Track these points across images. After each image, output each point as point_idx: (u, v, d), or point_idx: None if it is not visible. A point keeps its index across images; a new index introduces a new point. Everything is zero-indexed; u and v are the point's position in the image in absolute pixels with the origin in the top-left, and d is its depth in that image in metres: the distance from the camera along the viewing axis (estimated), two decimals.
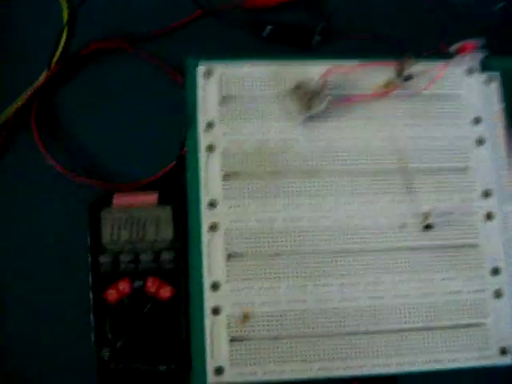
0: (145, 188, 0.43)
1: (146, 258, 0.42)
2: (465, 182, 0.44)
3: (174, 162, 0.44)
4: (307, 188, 0.43)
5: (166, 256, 0.42)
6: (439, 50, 0.45)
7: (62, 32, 0.46)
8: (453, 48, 0.44)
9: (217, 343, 0.41)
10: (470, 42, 0.44)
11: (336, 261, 0.42)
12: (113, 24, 0.46)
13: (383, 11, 0.48)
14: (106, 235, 0.42)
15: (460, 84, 0.46)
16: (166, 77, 0.45)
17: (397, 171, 0.44)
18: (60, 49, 0.46)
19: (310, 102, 0.43)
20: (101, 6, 0.47)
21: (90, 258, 0.42)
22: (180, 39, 0.46)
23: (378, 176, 0.44)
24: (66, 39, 0.46)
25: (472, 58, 0.44)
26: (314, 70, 0.44)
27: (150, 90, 0.45)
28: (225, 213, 0.42)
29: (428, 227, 0.43)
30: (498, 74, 0.46)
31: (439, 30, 0.46)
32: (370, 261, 0.42)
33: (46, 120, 0.45)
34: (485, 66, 0.46)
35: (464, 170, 0.44)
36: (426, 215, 0.43)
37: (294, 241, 0.42)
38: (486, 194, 0.44)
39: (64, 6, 0.46)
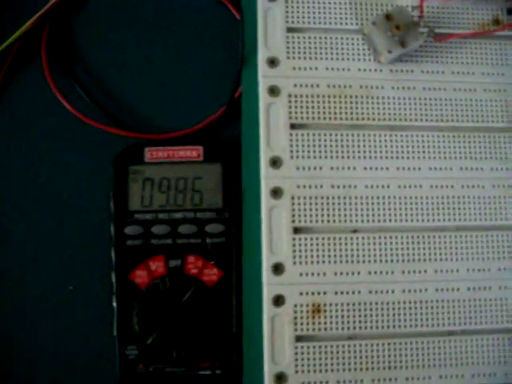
0: (186, 141, 0.33)
1: (186, 230, 0.32)
2: None
3: (223, 108, 0.34)
4: (394, 147, 0.34)
5: (213, 229, 0.32)
6: None
7: None
8: None
9: (278, 343, 0.31)
10: None
11: (430, 241, 0.33)
12: None
13: None
14: (135, 199, 0.33)
15: None
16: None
17: (507, 131, 0.35)
18: None
19: (403, 37, 0.33)
20: None
21: (113, 229, 0.32)
22: None
23: (481, 136, 0.34)
24: None
25: None
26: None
27: (193, 15, 0.36)
28: (291, 175, 0.33)
29: None
30: None
31: None
32: (474, 241, 0.33)
33: (59, 50, 0.35)
34: None
35: None
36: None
37: (378, 214, 0.33)
38: None
39: None
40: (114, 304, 0.32)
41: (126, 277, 0.32)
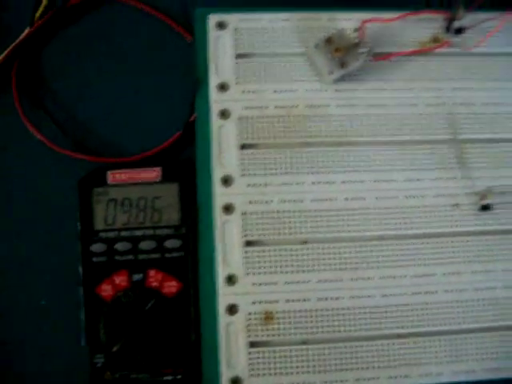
0: (146, 163, 0.36)
1: (146, 246, 0.35)
2: None
3: (180, 132, 0.36)
4: (340, 162, 0.36)
5: (171, 244, 0.35)
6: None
7: None
8: None
9: (233, 348, 0.34)
10: None
11: (376, 250, 0.35)
12: None
13: None
14: (100, 219, 0.35)
15: None
16: (170, 30, 0.38)
17: (446, 143, 0.37)
18: (44, 1, 0.39)
19: (344, 58, 0.35)
20: None
21: (80, 247, 0.35)
22: None
23: (423, 149, 0.36)
24: None
25: None
26: (346, 22, 0.37)
27: (151, 47, 0.38)
28: (242, 192, 0.35)
29: (485, 208, 0.35)
30: None
31: None
32: (417, 249, 0.35)
33: (28, 82, 0.38)
34: None
35: None
36: (483, 194, 0.36)
37: (326, 225, 0.35)
38: None
39: None
40: (82, 315, 0.34)
41: (92, 291, 0.34)
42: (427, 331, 0.35)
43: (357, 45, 0.36)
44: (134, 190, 0.35)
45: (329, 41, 0.36)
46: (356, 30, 0.36)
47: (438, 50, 0.37)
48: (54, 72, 0.38)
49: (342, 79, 0.36)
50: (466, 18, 0.37)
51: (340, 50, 0.35)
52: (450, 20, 0.37)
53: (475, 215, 0.36)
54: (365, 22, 0.36)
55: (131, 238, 0.35)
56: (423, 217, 0.35)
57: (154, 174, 0.36)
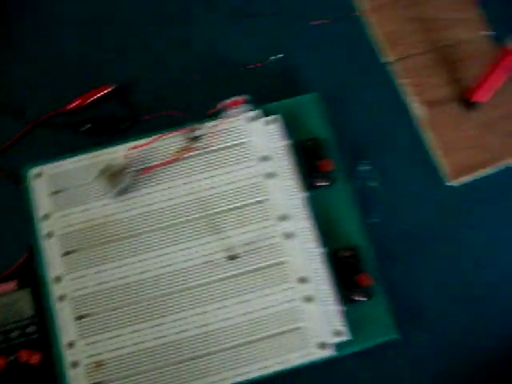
0: (5, 279, 0.53)
1: (15, 335, 0.52)
2: (263, 211, 0.53)
3: (26, 254, 0.54)
4: (132, 248, 0.52)
5: (31, 329, 0.52)
6: (217, 109, 0.54)
7: None
8: (224, 104, 0.53)
9: None
10: (238, 98, 0.53)
11: (165, 303, 0.51)
12: None
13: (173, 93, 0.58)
14: None
15: (245, 131, 0.55)
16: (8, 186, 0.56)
17: (203, 217, 0.53)
18: None
19: (115, 180, 0.52)
20: None
21: None
22: (17, 152, 0.57)
23: (189, 225, 0.53)
24: None
25: (242, 110, 0.54)
26: (121, 152, 0.54)
27: None
28: (69, 284, 0.52)
29: (234, 258, 0.51)
30: (278, 116, 0.55)
31: (214, 93, 0.55)
32: (195, 296, 0.51)
33: None
34: (266, 111, 0.55)
35: (260, 202, 0.53)
36: (231, 248, 0.51)
37: (128, 294, 0.51)
38: (283, 218, 0.53)
39: None
40: None
41: None
42: (207, 352, 0.50)
43: (126, 166, 0.53)
44: None
45: (104, 169, 0.53)
46: (122, 156, 0.53)
47: (187, 155, 0.54)
48: None
49: (123, 192, 0.53)
50: (201, 129, 0.53)
51: (115, 174, 0.52)
52: (191, 132, 0.53)
53: (227, 264, 0.52)
54: (130, 149, 0.53)
55: (2, 332, 0.52)
56: (193, 273, 0.52)
57: (11, 285, 0.53)
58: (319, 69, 0.60)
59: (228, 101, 0.53)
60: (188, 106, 0.56)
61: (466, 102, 0.59)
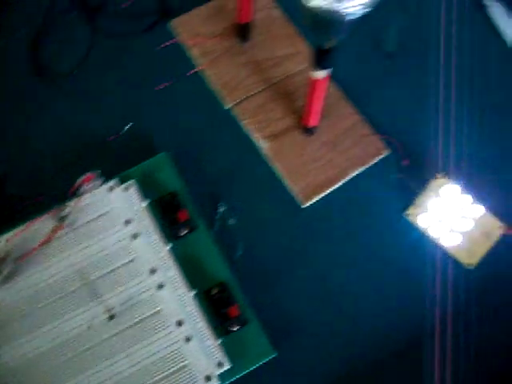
0: None
1: None
2: (133, 269, 0.59)
3: None
4: (25, 328, 0.57)
5: None
6: (76, 187, 0.60)
7: None
8: (79, 182, 0.59)
9: None
10: (89, 174, 0.59)
11: (61, 371, 0.56)
12: None
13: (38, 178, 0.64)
14: None
15: (107, 201, 0.60)
16: None
17: (84, 286, 0.58)
18: None
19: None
20: None
21: None
22: None
23: (72, 296, 0.58)
24: None
25: (97, 183, 0.60)
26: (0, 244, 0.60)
27: None
28: None
29: (112, 317, 0.57)
30: (132, 181, 0.61)
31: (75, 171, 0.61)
32: (86, 359, 0.56)
33: None
34: (124, 178, 0.61)
35: (131, 261, 0.59)
36: (109, 308, 0.57)
37: (26, 370, 0.57)
38: (153, 271, 0.58)
39: None
40: None
41: None
42: None
43: (6, 256, 0.58)
44: None
45: None
46: (4, 246, 0.59)
47: (58, 234, 0.59)
48: None
49: (8, 279, 0.58)
50: (66, 208, 0.59)
51: None
52: (58, 213, 0.59)
53: (110, 324, 0.57)
54: (8, 239, 0.59)
55: None
56: (81, 339, 0.57)
57: None
58: (170, 128, 0.66)
59: (83, 177, 0.59)
60: (53, 188, 0.62)
61: (305, 128, 0.65)
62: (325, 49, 0.53)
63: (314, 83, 0.58)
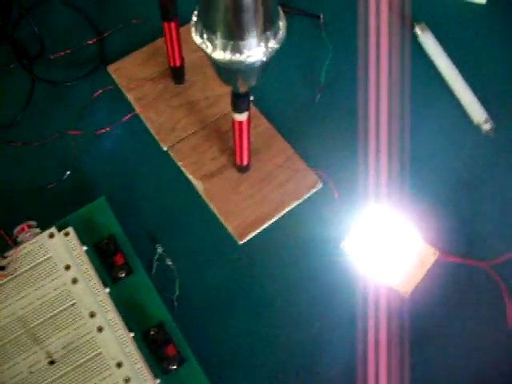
0: None
1: None
2: (73, 314, 0.60)
3: None
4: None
5: None
6: (14, 237, 0.62)
7: None
8: (17, 231, 0.61)
9: None
10: (24, 224, 0.61)
11: None
12: None
13: None
14: None
15: (46, 248, 0.62)
16: None
17: (25, 332, 0.60)
18: None
19: None
20: None
21: None
22: None
23: (14, 343, 0.60)
24: None
25: (34, 232, 0.62)
26: None
27: None
28: None
29: (52, 362, 0.58)
30: (70, 228, 0.62)
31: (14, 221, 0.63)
32: None
33: None
34: (63, 225, 0.63)
35: (71, 305, 0.60)
36: (50, 354, 0.59)
37: None
38: (92, 315, 0.60)
39: None
40: None
41: None
42: None
43: None
44: None
45: None
46: None
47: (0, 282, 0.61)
48: None
49: None
50: (6, 258, 0.61)
51: None
52: None
53: (52, 368, 0.59)
54: None
55: None
56: None
57: None
58: (110, 172, 0.69)
59: (19, 227, 0.61)
60: None
61: (238, 166, 0.67)
62: (239, 93, 0.55)
63: (236, 124, 0.60)
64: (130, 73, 0.73)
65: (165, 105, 0.71)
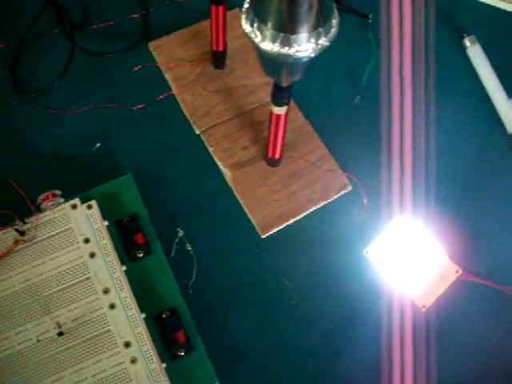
0: None
1: None
2: (87, 288, 0.60)
3: None
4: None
5: None
6: (38, 204, 0.61)
7: None
8: (41, 199, 0.61)
9: None
10: (49, 193, 0.61)
11: (13, 381, 0.58)
12: None
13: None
14: None
15: (67, 219, 0.62)
16: None
17: (36, 300, 0.60)
18: None
19: None
20: None
21: None
22: None
23: (24, 309, 0.59)
24: None
25: (58, 201, 0.61)
26: None
27: None
28: None
29: (61, 334, 0.58)
30: (93, 201, 0.62)
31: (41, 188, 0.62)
32: (34, 371, 0.58)
33: None
34: (87, 198, 0.62)
35: (85, 279, 0.60)
36: (58, 325, 0.58)
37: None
38: (105, 291, 0.60)
39: None
40: None
41: None
42: None
43: None
44: None
45: None
46: None
47: (17, 248, 0.61)
48: None
49: None
50: (26, 224, 0.61)
51: None
52: (17, 228, 0.61)
53: (59, 340, 0.58)
54: None
55: None
56: (30, 352, 0.58)
57: None
58: (139, 150, 0.68)
59: (44, 194, 0.61)
60: (15, 202, 0.63)
61: (269, 159, 0.66)
62: (281, 86, 0.54)
63: (273, 117, 0.59)
64: (171, 52, 0.72)
65: (202, 88, 0.70)
